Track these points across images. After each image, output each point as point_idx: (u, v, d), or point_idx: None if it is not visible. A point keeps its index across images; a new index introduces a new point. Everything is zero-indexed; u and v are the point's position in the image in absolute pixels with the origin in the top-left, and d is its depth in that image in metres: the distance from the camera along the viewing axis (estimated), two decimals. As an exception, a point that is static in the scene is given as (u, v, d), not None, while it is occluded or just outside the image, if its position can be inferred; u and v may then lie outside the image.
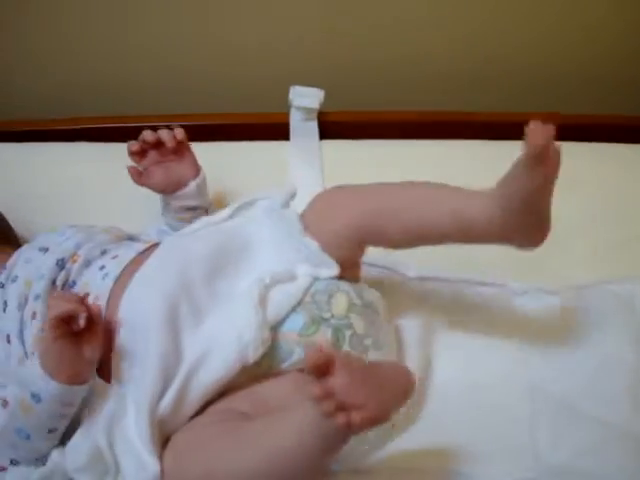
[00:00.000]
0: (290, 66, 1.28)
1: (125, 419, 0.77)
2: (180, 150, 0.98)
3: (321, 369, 0.66)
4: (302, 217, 0.89)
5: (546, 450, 0.85)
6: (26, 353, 0.85)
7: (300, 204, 0.93)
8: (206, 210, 1.02)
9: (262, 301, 0.81)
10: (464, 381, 0.92)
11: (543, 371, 0.92)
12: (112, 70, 1.31)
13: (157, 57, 1.30)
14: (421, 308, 0.99)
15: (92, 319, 0.76)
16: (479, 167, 1.05)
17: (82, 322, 0.74)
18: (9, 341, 0.85)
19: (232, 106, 1.27)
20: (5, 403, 0.78)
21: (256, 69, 1.30)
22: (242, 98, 1.30)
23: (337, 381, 0.66)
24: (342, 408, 0.65)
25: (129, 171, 0.98)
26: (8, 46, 1.28)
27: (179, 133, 0.97)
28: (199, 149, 1.09)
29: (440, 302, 1.00)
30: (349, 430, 0.67)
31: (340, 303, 0.85)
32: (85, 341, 0.76)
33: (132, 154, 0.98)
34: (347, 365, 0.67)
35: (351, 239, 0.87)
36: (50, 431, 0.78)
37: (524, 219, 0.79)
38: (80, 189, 1.13)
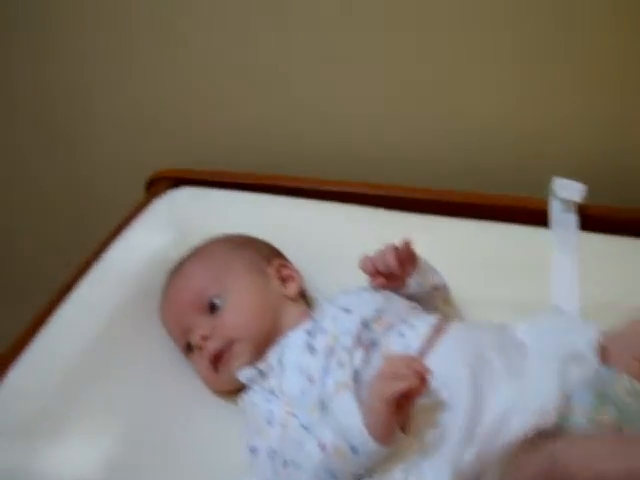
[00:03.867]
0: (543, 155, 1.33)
1: (423, 468, 0.84)
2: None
3: None
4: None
5: None
6: (322, 399, 0.92)
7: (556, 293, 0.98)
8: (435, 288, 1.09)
9: (561, 373, 0.87)
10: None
11: None
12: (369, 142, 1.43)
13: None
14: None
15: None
16: None
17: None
18: (311, 380, 0.94)
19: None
20: (323, 447, 0.86)
21: (521, 157, 1.35)
22: (496, 181, 1.35)
23: None
24: None
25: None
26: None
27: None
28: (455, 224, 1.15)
29: None
30: None
31: (622, 386, 0.87)
32: (404, 408, 0.84)
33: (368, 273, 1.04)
34: None
35: None
36: (355, 476, 0.86)
37: None
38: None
